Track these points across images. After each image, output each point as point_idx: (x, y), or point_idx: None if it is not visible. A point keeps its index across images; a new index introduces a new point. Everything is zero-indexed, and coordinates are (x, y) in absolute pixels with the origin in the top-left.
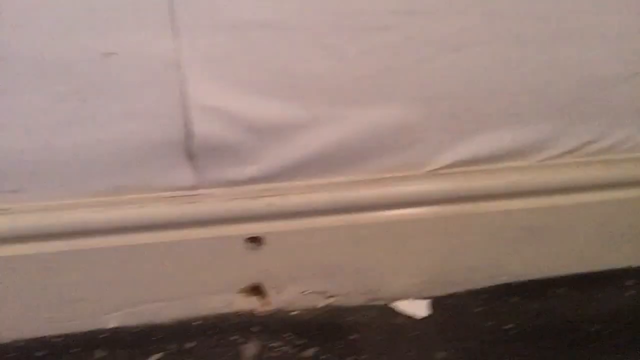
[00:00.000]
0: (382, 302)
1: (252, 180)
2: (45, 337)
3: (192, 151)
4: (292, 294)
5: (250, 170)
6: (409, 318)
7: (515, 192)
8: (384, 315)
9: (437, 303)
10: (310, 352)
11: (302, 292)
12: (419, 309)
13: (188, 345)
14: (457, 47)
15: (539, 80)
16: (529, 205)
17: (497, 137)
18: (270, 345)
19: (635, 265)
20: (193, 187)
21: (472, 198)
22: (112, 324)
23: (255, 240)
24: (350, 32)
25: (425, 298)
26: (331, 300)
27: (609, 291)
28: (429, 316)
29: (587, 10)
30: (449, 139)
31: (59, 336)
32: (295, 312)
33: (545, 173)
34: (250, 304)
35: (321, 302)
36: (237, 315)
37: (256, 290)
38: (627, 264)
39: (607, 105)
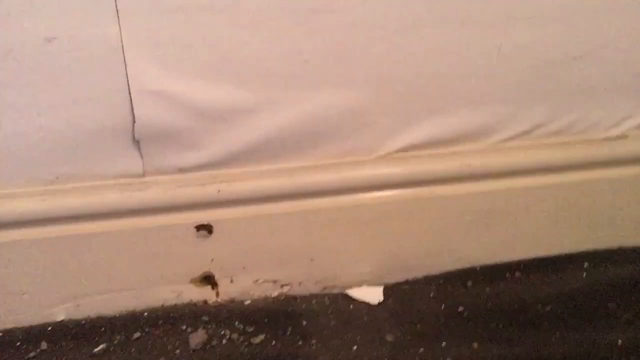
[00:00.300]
0: (336, 290)
1: (200, 167)
2: None
3: (136, 137)
4: (244, 283)
5: (197, 156)
6: (363, 304)
7: (468, 175)
8: (337, 303)
9: (392, 289)
10: (259, 338)
11: (255, 281)
12: (373, 295)
13: (135, 335)
14: (404, 29)
15: (488, 62)
16: (482, 188)
17: (448, 120)
18: (220, 333)
19: (591, 249)
20: (139, 175)
21: (424, 182)
22: (59, 317)
23: (205, 228)
24: (296, 15)
25: (380, 284)
26: (285, 289)
27: (565, 274)
28: (383, 302)
29: None
30: (400, 122)
31: (2, 330)
32: (248, 302)
33: (498, 156)
34: (202, 294)
35: (275, 291)
36: (188, 305)
37: (208, 280)
38: (583, 248)
39: (557, 87)
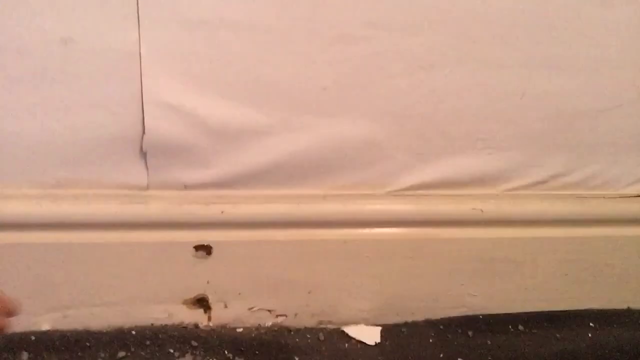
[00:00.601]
0: (332, 326)
1: (206, 185)
2: None
3: (144, 149)
4: (238, 310)
5: (204, 174)
6: (359, 344)
7: (479, 220)
8: (332, 340)
9: (391, 330)
10: None
11: (250, 308)
12: (370, 335)
13: (120, 354)
14: (429, 65)
15: (511, 107)
16: (491, 235)
17: (463, 162)
18: None
19: (598, 307)
20: (143, 187)
21: (433, 223)
22: (44, 326)
23: (204, 248)
24: (322, 40)
25: (378, 324)
26: (279, 319)
27: (569, 333)
28: (380, 343)
29: (565, 40)
30: (414, 159)
31: None
32: (240, 329)
33: (511, 203)
34: (193, 316)
35: (269, 321)
36: (179, 327)
37: (201, 302)
38: (590, 305)
39: (578, 139)
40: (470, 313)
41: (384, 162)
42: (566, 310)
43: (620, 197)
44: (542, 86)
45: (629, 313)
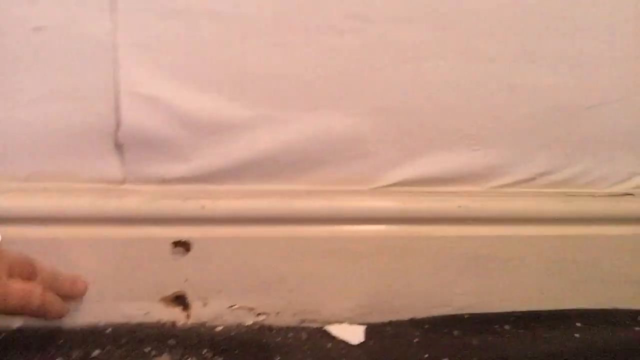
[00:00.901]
0: (315, 325)
1: (185, 180)
2: None
3: (120, 141)
4: (218, 308)
5: (183, 168)
6: (342, 343)
7: (465, 218)
8: (315, 339)
9: (375, 330)
10: None
11: (230, 306)
12: (354, 334)
13: (95, 352)
14: (416, 59)
15: (499, 102)
16: (477, 233)
17: (449, 158)
18: None
19: (585, 307)
20: (119, 181)
21: (418, 220)
22: (15, 323)
23: (182, 245)
24: (305, 32)
25: (362, 323)
26: (261, 318)
27: (556, 332)
28: (364, 343)
29: (555, 35)
30: (399, 155)
31: None
32: (220, 328)
33: (497, 201)
34: (171, 314)
35: (249, 320)
36: (156, 325)
37: (180, 300)
38: (577, 305)
39: (566, 136)
40: (456, 312)
41: (369, 158)
42: (553, 310)
43: (608, 196)
44: (531, 82)
45: (616, 313)
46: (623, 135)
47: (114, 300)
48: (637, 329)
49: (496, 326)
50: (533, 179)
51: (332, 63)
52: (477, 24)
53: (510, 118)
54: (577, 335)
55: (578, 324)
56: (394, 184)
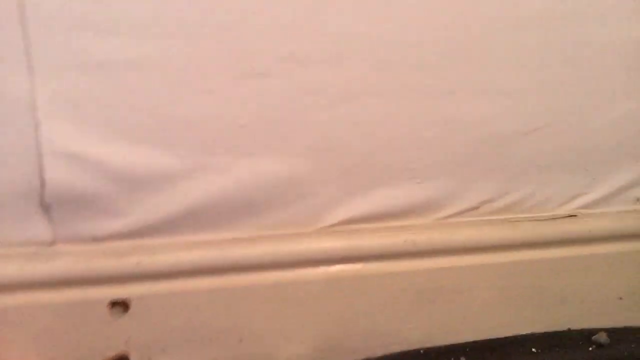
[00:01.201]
0: None
1: (118, 236)
2: None
3: (46, 201)
4: None
5: (115, 224)
6: None
7: (412, 252)
8: None
9: None
10: None
11: None
12: None
13: None
14: (346, 98)
15: (435, 135)
16: (426, 266)
17: (392, 193)
18: None
19: (539, 331)
20: (49, 243)
21: (366, 258)
22: None
23: (120, 304)
24: (237, 76)
25: None
26: None
27: (512, 359)
28: None
29: (482, 65)
30: (341, 194)
31: None
32: None
33: (444, 232)
34: None
35: None
36: None
37: None
38: (531, 329)
39: (506, 163)
40: (411, 347)
41: (311, 199)
42: (508, 337)
43: (552, 219)
44: (466, 112)
45: (569, 334)
46: (560, 159)
47: None
48: (591, 349)
49: (452, 358)
50: (476, 207)
51: (265, 107)
52: (405, 60)
53: (449, 149)
54: None
55: (533, 350)
56: (338, 223)
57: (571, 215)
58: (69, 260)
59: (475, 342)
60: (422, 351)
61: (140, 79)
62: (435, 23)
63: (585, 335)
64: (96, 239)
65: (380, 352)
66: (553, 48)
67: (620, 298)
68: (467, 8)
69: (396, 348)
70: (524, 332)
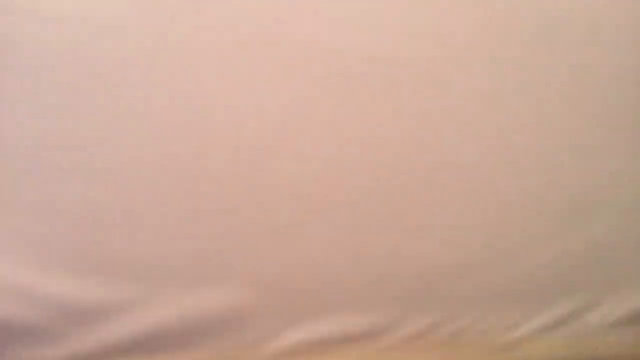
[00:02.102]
0: None
1: None
2: None
3: None
4: None
5: (54, 355)
6: None
7: None
8: None
9: None
10: None
11: None
12: None
13: None
14: (288, 229)
15: (376, 269)
16: None
17: (334, 320)
18: None
19: None
20: None
21: None
22: None
23: None
24: (176, 217)
25: None
26: None
27: None
28: None
29: (418, 201)
30: (282, 323)
31: None
32: None
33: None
34: None
35: None
36: None
37: None
38: None
39: (448, 294)
40: None
41: (251, 328)
42: None
43: (496, 346)
44: (408, 246)
45: None
46: (502, 287)
47: None
48: None
49: None
50: (420, 335)
51: (205, 242)
52: (349, 197)
53: (391, 280)
54: None
55: None
56: (280, 352)
57: (515, 343)
58: None
59: None
60: None
61: (77, 210)
62: (373, 163)
63: None
64: None
65: None
66: (489, 190)
67: None
68: (410, 150)
69: None
70: None
